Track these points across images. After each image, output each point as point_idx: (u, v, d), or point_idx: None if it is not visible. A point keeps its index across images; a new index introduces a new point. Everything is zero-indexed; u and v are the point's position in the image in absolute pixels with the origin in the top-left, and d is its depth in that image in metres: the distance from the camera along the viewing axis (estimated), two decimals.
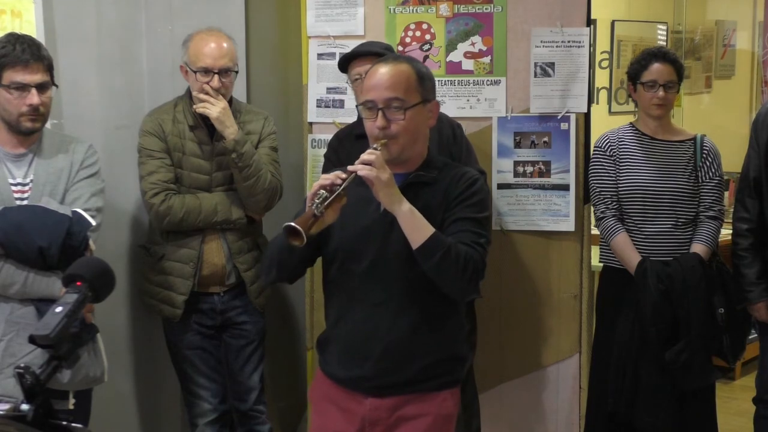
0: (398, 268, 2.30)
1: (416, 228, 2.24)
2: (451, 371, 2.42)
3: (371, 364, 2.34)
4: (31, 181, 2.78)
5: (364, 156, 2.23)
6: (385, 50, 3.21)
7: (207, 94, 3.15)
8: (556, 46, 3.46)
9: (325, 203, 2.15)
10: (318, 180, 2.24)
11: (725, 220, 3.47)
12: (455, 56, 3.51)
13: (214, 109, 3.16)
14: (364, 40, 3.45)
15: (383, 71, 2.31)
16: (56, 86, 2.82)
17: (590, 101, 3.54)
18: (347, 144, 3.06)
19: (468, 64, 3.51)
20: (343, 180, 2.20)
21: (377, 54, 3.12)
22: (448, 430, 2.44)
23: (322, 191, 2.17)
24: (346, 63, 3.13)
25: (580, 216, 3.50)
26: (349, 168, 2.22)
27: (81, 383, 2.77)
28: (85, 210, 2.77)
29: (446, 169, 2.41)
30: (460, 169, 2.44)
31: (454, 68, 3.52)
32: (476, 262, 2.26)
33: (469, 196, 2.34)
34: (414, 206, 2.27)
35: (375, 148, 2.27)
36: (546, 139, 3.49)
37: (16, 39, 2.73)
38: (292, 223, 2.12)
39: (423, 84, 2.33)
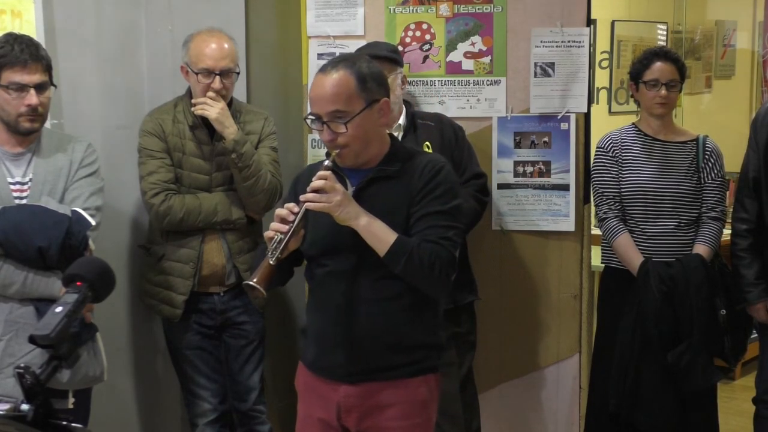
0: (369, 259, 2.31)
1: (378, 238, 2.26)
2: (426, 358, 2.42)
3: (343, 352, 2.35)
4: (30, 180, 2.78)
5: (314, 183, 2.24)
6: (391, 53, 3.21)
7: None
8: (556, 46, 3.46)
9: (281, 247, 2.21)
10: (279, 213, 2.28)
11: (727, 221, 3.47)
12: (455, 56, 3.51)
13: (213, 110, 3.16)
14: (364, 41, 3.45)
15: (323, 82, 2.29)
16: (55, 86, 2.82)
17: (590, 101, 3.54)
18: None
19: (468, 64, 3.51)
20: (296, 215, 2.24)
21: (383, 58, 3.13)
22: (424, 416, 2.45)
23: (278, 235, 2.23)
24: None
25: (580, 216, 3.50)
26: (301, 198, 2.25)
27: (80, 383, 2.77)
28: (85, 209, 2.77)
29: (410, 160, 2.39)
30: (425, 158, 2.41)
31: (454, 68, 3.52)
32: (443, 259, 2.27)
33: (434, 188, 2.32)
34: (377, 201, 2.30)
35: (327, 166, 2.28)
36: (546, 139, 3.49)
37: (14, 39, 2.73)
38: (251, 282, 2.20)
39: (365, 87, 2.30)
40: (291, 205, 2.27)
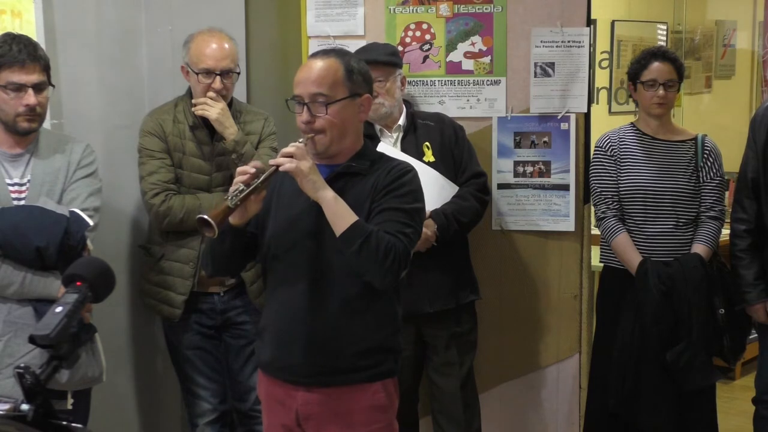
0: (325, 257, 2.32)
1: (339, 215, 2.25)
2: (383, 362, 2.40)
3: (299, 351, 2.34)
4: (29, 181, 2.77)
5: (286, 149, 2.24)
6: (390, 56, 3.20)
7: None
8: (556, 46, 3.46)
9: (241, 196, 2.19)
10: (240, 168, 2.27)
11: (726, 220, 3.47)
12: (455, 56, 3.51)
13: (213, 110, 3.16)
14: (364, 41, 3.46)
15: (312, 66, 2.33)
16: (53, 86, 2.81)
17: (590, 101, 3.53)
18: None
19: (468, 64, 3.51)
20: (261, 171, 2.23)
21: (381, 62, 3.13)
22: (384, 422, 2.43)
23: (240, 185, 2.21)
24: None
25: (580, 216, 3.50)
26: (271, 162, 2.24)
27: (79, 383, 2.77)
28: (83, 210, 2.77)
29: (379, 161, 2.41)
30: (393, 161, 2.43)
31: (454, 68, 3.51)
32: (398, 251, 2.25)
33: (398, 187, 2.33)
34: (343, 196, 2.29)
35: (300, 142, 2.29)
36: (546, 139, 3.49)
37: (12, 39, 2.72)
38: (204, 215, 2.16)
39: (351, 79, 2.34)
40: (255, 162, 2.27)
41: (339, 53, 2.39)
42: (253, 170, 2.22)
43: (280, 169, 2.22)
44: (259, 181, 2.21)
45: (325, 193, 2.25)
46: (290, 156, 2.22)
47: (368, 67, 2.45)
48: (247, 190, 2.20)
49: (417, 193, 2.38)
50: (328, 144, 2.33)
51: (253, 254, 2.50)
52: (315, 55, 2.38)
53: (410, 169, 2.40)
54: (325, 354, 2.34)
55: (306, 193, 2.26)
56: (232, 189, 2.22)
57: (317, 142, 2.32)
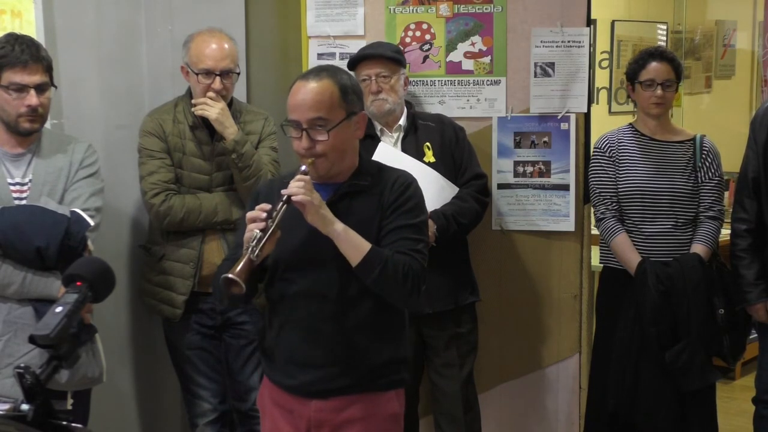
0: (336, 275, 2.31)
1: (353, 246, 2.26)
2: (396, 371, 2.41)
3: (315, 371, 2.34)
4: (30, 180, 2.78)
5: (293, 183, 2.23)
6: (395, 53, 3.21)
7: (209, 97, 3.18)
8: (556, 46, 3.46)
9: (261, 245, 2.18)
10: (250, 215, 2.24)
11: (725, 220, 3.47)
12: (455, 56, 3.51)
13: (213, 110, 3.16)
14: (364, 41, 3.46)
15: (306, 90, 2.29)
16: (55, 87, 2.81)
17: (590, 101, 3.54)
18: None
19: (468, 64, 3.51)
20: (275, 211, 2.21)
21: (387, 57, 3.14)
22: (396, 430, 2.44)
23: (257, 231, 2.19)
24: (354, 64, 3.17)
25: (580, 216, 3.50)
26: (283, 192, 2.22)
27: (79, 383, 2.77)
28: (84, 210, 2.77)
29: (379, 174, 2.40)
30: (393, 173, 2.43)
31: (454, 68, 3.52)
32: (416, 271, 2.28)
33: (404, 202, 2.34)
34: (349, 215, 2.29)
35: (303, 171, 2.27)
36: (546, 139, 3.49)
37: (15, 39, 2.73)
38: (229, 275, 2.14)
39: (347, 98, 2.31)
40: (263, 205, 2.25)
41: (330, 72, 2.34)
42: (264, 214, 2.21)
43: (294, 199, 2.20)
44: (274, 224, 2.20)
45: (336, 226, 2.25)
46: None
47: (357, 81, 2.44)
48: (265, 237, 2.19)
49: (422, 205, 2.41)
50: (329, 167, 2.33)
51: (261, 278, 2.47)
52: (306, 76, 2.33)
53: (412, 181, 2.40)
54: (343, 372, 2.34)
55: (316, 227, 2.25)
56: (247, 236, 2.21)
57: (318, 166, 2.31)
